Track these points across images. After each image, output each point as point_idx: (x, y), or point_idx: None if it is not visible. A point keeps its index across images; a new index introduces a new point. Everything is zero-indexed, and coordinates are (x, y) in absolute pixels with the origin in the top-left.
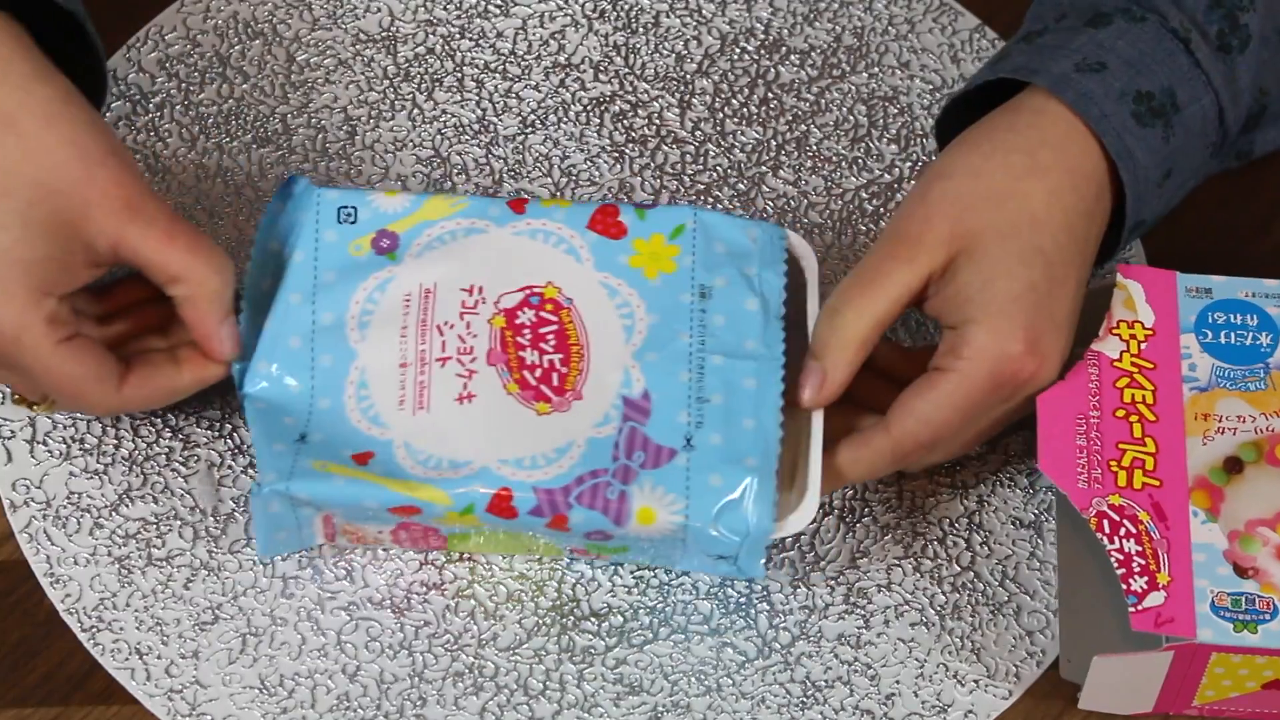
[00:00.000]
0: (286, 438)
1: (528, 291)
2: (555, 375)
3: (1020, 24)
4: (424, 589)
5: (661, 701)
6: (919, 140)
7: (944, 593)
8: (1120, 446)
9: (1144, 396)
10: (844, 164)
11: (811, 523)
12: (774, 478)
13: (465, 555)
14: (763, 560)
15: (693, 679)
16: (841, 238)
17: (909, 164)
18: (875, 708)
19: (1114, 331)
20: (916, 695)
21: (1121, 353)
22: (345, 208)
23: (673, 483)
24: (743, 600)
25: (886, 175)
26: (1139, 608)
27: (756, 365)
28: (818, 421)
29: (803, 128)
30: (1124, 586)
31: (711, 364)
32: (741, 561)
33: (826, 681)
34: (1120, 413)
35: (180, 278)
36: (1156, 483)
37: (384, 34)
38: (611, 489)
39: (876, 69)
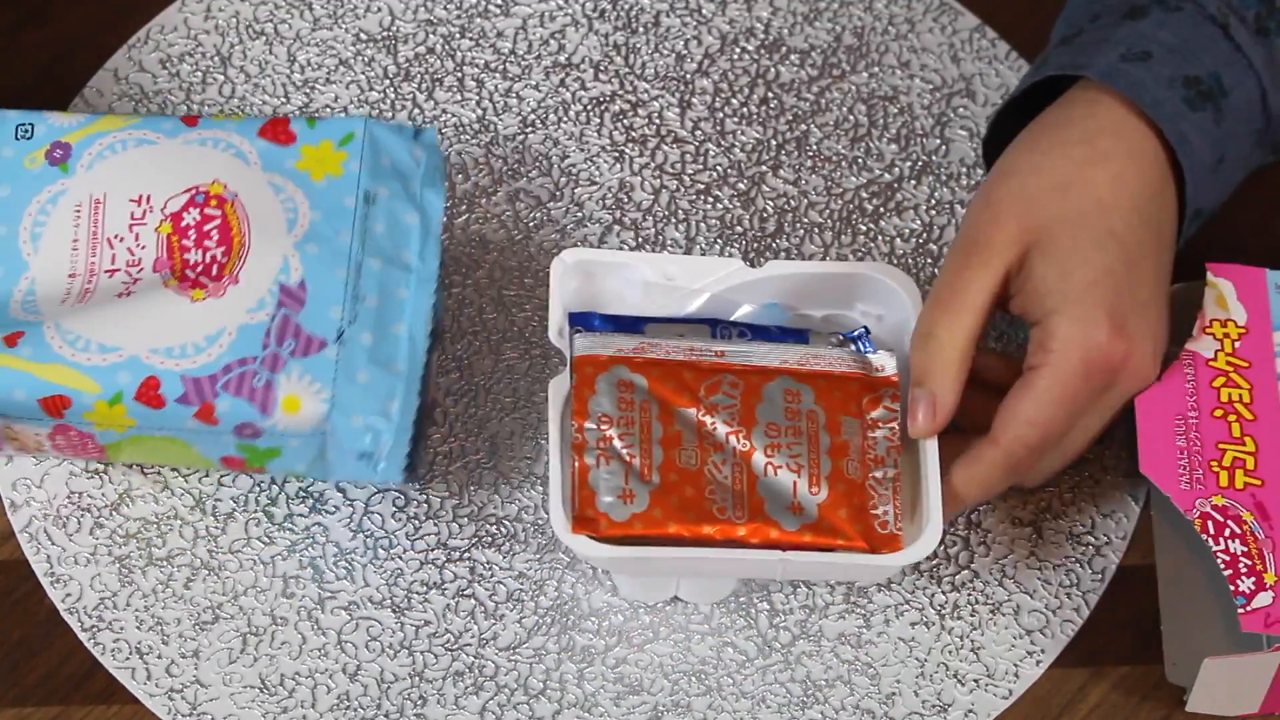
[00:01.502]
0: None
1: (193, 191)
2: (215, 266)
3: (1018, 24)
4: (424, 589)
5: (661, 701)
6: (919, 140)
7: (943, 592)
8: (1220, 446)
9: (1240, 395)
10: (844, 164)
11: (934, 553)
12: (419, 383)
13: (464, 554)
14: (403, 467)
15: (693, 679)
16: (841, 237)
17: (909, 164)
18: (875, 707)
19: (1207, 330)
20: (916, 695)
21: (1216, 351)
22: (22, 125)
23: (320, 372)
24: (743, 600)
25: (886, 175)
26: (1247, 609)
27: (412, 278)
28: (932, 449)
29: (803, 127)
30: (1231, 588)
31: (369, 266)
32: (383, 463)
33: (827, 681)
34: (1218, 412)
35: None
36: (1258, 482)
37: (384, 34)
38: (259, 377)
39: (876, 69)
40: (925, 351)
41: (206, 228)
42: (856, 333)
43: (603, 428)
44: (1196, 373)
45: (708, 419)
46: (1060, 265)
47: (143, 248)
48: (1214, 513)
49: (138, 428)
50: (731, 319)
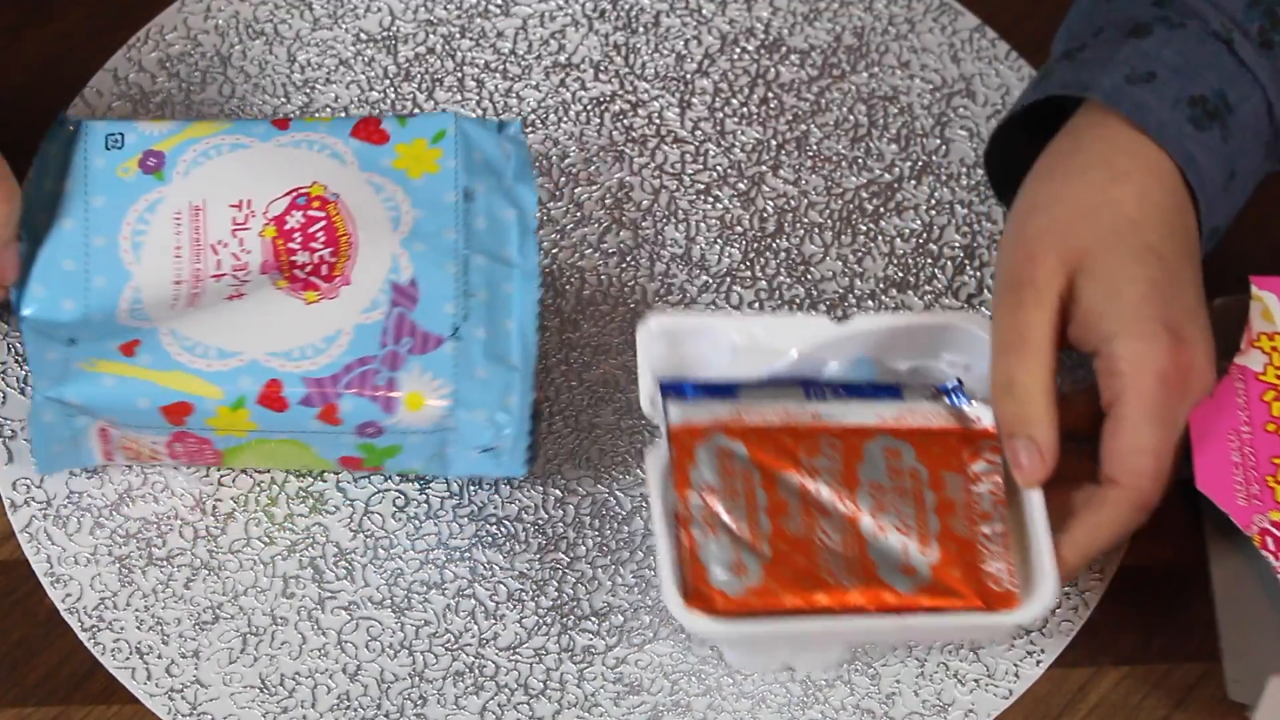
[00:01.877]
0: (58, 346)
1: (294, 193)
2: (325, 266)
3: (1018, 24)
4: (424, 589)
5: (662, 701)
6: (919, 140)
7: None
8: (1275, 461)
9: None
10: (844, 164)
11: (1053, 608)
12: (533, 378)
13: (464, 554)
14: (525, 460)
15: (693, 679)
16: (841, 237)
17: (909, 164)
18: (875, 707)
19: (1255, 344)
20: (916, 695)
21: (1265, 365)
22: (112, 134)
23: (440, 369)
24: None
25: (886, 175)
26: None
27: (515, 273)
28: (1038, 500)
29: (803, 127)
30: None
31: (475, 262)
32: (505, 456)
33: (827, 681)
34: (1271, 426)
35: None
36: None
37: (385, 34)
38: (380, 375)
39: (876, 69)
40: (1013, 400)
41: (312, 229)
42: (950, 384)
43: (707, 499)
44: (1247, 387)
45: (811, 483)
46: (1108, 286)
47: (248, 252)
48: (1273, 528)
49: (259, 431)
50: (822, 377)
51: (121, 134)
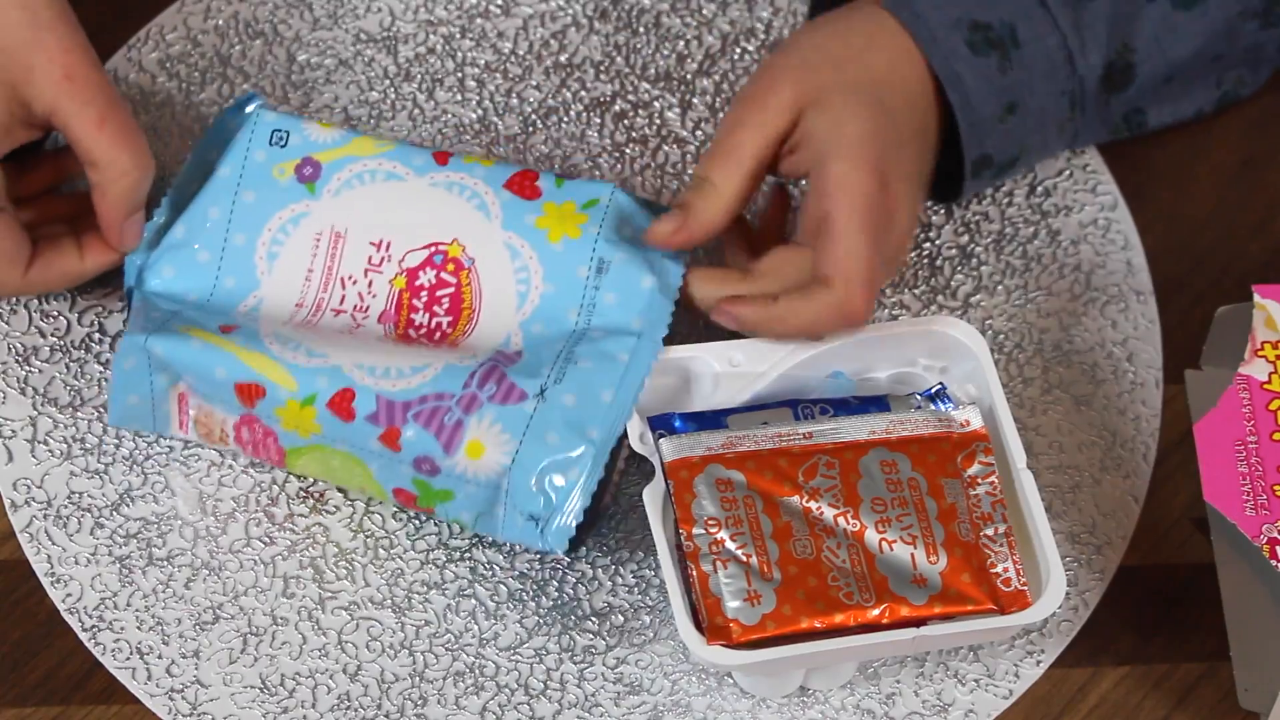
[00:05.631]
0: (166, 310)
1: (433, 250)
2: (439, 334)
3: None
4: (424, 589)
5: (661, 701)
6: None
7: None
8: None
9: None
10: None
11: (1056, 610)
12: (608, 456)
13: (464, 555)
14: (569, 538)
15: (693, 679)
16: None
17: None
18: (875, 707)
19: (1259, 353)
20: (916, 695)
21: (1270, 374)
22: (279, 130)
23: (511, 423)
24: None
25: None
26: None
27: (635, 342)
28: (1036, 503)
29: None
30: None
31: (591, 335)
32: (550, 529)
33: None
34: (1277, 435)
35: (100, 164)
36: None
37: (385, 34)
38: (450, 414)
39: None
40: (699, 193)
41: (439, 293)
42: (933, 389)
43: (711, 530)
44: (1252, 397)
45: (813, 504)
46: (834, 118)
47: (373, 295)
48: None
49: (321, 436)
50: (806, 395)
51: (288, 132)
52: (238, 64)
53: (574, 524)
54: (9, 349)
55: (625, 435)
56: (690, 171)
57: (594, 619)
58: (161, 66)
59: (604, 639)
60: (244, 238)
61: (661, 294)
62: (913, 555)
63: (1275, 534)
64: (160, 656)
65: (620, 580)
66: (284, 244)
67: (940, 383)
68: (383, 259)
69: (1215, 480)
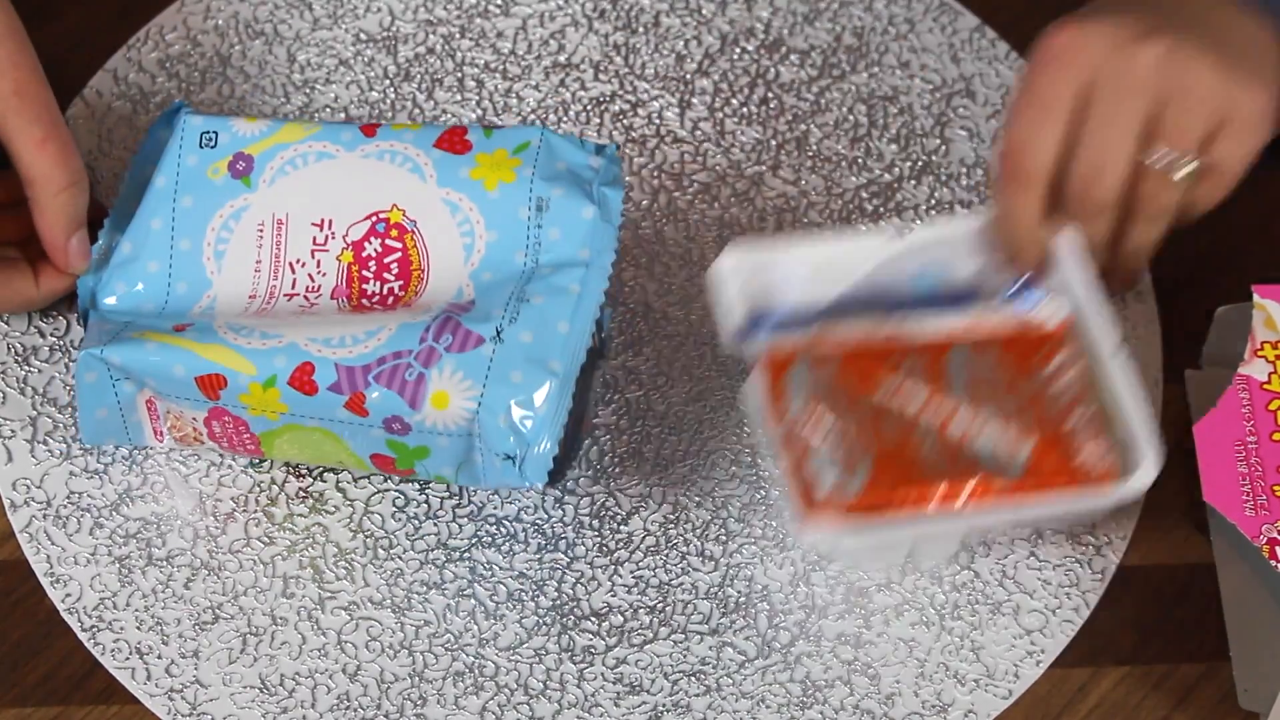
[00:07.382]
0: (118, 323)
1: (374, 219)
2: (391, 298)
3: (1018, 24)
4: (424, 589)
5: (661, 701)
6: (919, 140)
7: (943, 592)
8: None
9: None
10: (844, 164)
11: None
12: (573, 385)
13: (464, 555)
14: (547, 470)
15: (693, 679)
16: None
17: (909, 164)
18: (875, 707)
19: (1259, 353)
20: (916, 695)
21: (1270, 374)
22: (207, 132)
23: (472, 369)
24: (742, 600)
25: (886, 175)
26: None
27: (585, 271)
28: (1123, 376)
29: (803, 128)
30: None
31: (540, 271)
32: (526, 464)
33: (826, 681)
34: (1277, 435)
35: (35, 181)
36: None
37: (384, 34)
38: (411, 370)
39: (876, 69)
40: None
41: (387, 259)
42: (1016, 286)
43: (804, 419)
44: (1252, 397)
45: (899, 397)
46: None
47: (323, 274)
48: None
49: (289, 415)
50: (892, 293)
51: (216, 132)
52: (238, 64)
53: (549, 454)
54: (9, 349)
55: (599, 367)
56: (689, 171)
57: (594, 619)
58: (161, 66)
59: (603, 639)
60: (189, 242)
61: (604, 221)
62: (1001, 439)
63: (1275, 534)
64: (160, 656)
65: (620, 580)
66: (229, 240)
67: (1023, 278)
68: (327, 237)
69: (1215, 480)
